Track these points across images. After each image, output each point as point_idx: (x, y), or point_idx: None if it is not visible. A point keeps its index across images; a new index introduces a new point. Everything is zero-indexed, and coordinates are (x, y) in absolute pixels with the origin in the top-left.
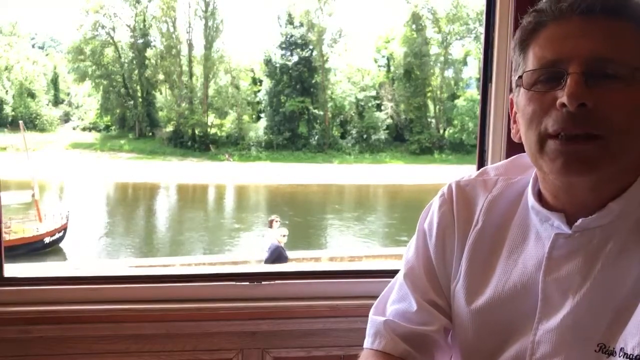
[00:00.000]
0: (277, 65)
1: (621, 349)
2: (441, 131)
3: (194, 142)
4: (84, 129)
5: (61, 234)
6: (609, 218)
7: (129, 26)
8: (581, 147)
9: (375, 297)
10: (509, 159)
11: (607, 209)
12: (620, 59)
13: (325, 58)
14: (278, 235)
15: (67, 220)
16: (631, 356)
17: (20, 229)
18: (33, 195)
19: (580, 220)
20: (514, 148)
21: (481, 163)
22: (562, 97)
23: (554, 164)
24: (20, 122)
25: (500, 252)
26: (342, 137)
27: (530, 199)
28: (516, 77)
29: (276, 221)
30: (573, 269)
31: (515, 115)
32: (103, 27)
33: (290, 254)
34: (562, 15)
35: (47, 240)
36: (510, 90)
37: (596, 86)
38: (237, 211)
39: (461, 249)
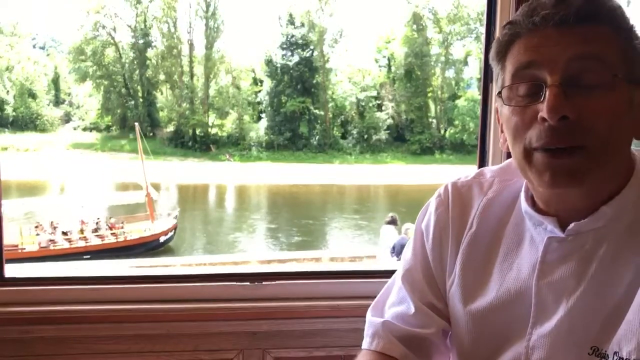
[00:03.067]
0: (278, 65)
1: (615, 353)
2: (442, 131)
3: (194, 143)
4: (84, 129)
5: (172, 233)
6: (601, 222)
7: (129, 26)
8: (567, 160)
9: (375, 298)
10: (506, 161)
11: (600, 213)
12: (597, 65)
13: (326, 58)
14: (404, 230)
15: (177, 219)
16: None
17: (139, 229)
18: (147, 195)
19: (573, 224)
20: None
21: (482, 163)
22: (543, 112)
23: (541, 178)
24: (136, 124)
25: (496, 256)
26: (343, 137)
27: (524, 203)
28: (496, 92)
29: (395, 218)
30: (566, 273)
31: (502, 126)
32: (104, 27)
33: (293, 254)
34: (536, 27)
35: (162, 239)
36: None
37: (576, 96)
38: (253, 212)
39: (456, 251)
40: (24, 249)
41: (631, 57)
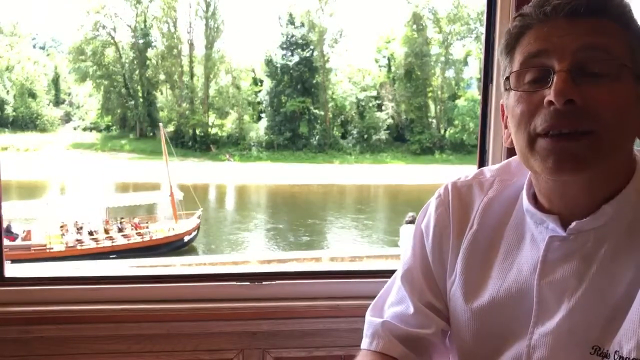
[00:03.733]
0: (278, 65)
1: (616, 352)
2: (442, 131)
3: (194, 142)
4: (84, 129)
5: (195, 232)
6: (602, 220)
7: (129, 26)
8: (572, 145)
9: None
10: (506, 160)
11: (601, 211)
12: (605, 56)
13: (326, 58)
14: None
15: (200, 219)
16: (627, 359)
17: (164, 229)
18: (171, 195)
19: (574, 223)
20: (514, 148)
21: (482, 163)
22: (550, 95)
23: (545, 163)
24: (160, 124)
25: (496, 255)
26: (343, 137)
27: (525, 201)
28: (504, 80)
29: (415, 217)
30: (568, 272)
31: (506, 121)
32: (104, 27)
33: (293, 254)
34: (547, 18)
35: (186, 239)
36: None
37: (583, 83)
38: (261, 212)
39: (457, 250)
40: (52, 248)
41: (638, 55)
